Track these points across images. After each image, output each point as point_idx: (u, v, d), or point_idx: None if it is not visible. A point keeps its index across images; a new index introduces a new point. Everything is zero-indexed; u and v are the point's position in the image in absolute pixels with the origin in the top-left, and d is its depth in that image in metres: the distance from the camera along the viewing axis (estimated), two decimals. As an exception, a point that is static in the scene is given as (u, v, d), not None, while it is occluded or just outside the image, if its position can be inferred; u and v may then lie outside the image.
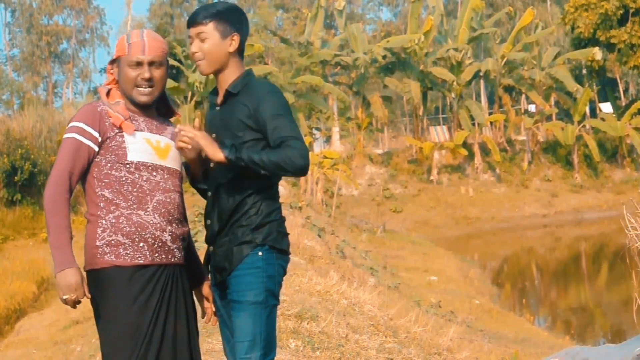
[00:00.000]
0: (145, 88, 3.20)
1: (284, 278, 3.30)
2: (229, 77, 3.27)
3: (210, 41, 3.23)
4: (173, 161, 3.25)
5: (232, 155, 3.07)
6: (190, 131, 3.12)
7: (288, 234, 3.29)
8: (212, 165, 3.24)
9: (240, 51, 3.30)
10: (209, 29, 3.22)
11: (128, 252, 3.07)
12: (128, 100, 3.24)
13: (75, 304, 3.04)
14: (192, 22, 3.26)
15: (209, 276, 3.35)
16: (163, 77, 3.24)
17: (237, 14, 3.30)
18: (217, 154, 3.08)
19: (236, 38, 3.25)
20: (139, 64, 3.18)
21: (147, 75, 3.18)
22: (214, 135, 3.23)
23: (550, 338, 13.49)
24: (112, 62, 3.28)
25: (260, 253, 3.15)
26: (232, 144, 3.11)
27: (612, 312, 17.65)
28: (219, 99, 3.30)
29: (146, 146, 3.18)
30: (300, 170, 3.07)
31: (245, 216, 3.16)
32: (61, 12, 60.08)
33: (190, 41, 3.27)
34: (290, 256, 3.31)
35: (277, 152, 3.05)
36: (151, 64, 3.19)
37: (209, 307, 3.37)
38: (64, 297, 3.00)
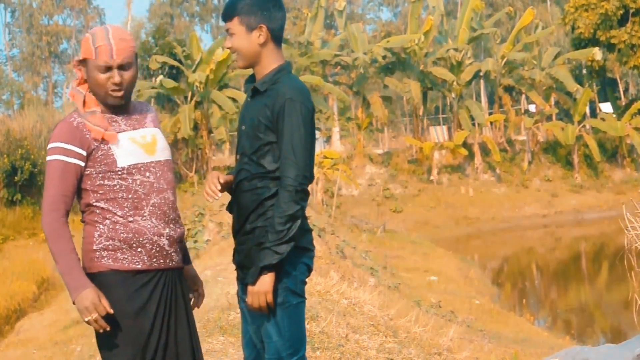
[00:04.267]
0: (117, 92, 3.11)
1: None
2: (264, 69, 3.21)
3: (237, 37, 3.19)
4: (162, 152, 3.18)
5: (268, 269, 3.05)
6: (254, 305, 3.09)
7: (310, 229, 3.24)
8: (238, 157, 3.24)
9: (275, 39, 3.21)
10: (235, 25, 3.18)
11: (126, 256, 3.03)
12: (103, 103, 3.15)
13: (100, 325, 2.95)
14: (223, 18, 3.24)
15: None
16: (133, 77, 3.14)
17: (263, 2, 3.18)
18: (269, 282, 3.07)
19: (264, 29, 3.17)
20: (108, 68, 3.08)
21: (117, 79, 3.08)
22: (243, 127, 3.22)
23: (550, 338, 13.49)
24: (80, 62, 3.16)
25: None
26: (263, 258, 3.05)
27: (612, 312, 17.64)
28: (251, 90, 3.25)
29: (133, 146, 3.10)
30: (299, 201, 3.05)
31: (262, 217, 3.13)
32: (61, 12, 60.08)
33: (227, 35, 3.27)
34: (314, 251, 3.26)
35: (276, 208, 3.04)
36: (120, 67, 3.09)
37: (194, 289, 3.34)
38: (86, 319, 2.94)
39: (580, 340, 13.47)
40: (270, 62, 3.20)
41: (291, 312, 3.14)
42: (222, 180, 3.19)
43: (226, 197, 3.34)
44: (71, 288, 2.96)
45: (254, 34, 3.17)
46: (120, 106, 3.17)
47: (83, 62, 3.14)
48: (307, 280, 3.24)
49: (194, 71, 34.83)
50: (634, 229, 5.51)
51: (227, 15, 3.21)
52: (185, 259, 3.33)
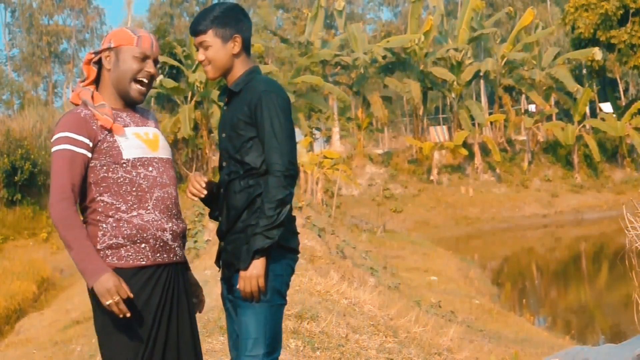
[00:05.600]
0: (143, 86, 3.18)
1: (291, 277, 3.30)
2: (235, 75, 3.31)
3: (212, 48, 3.26)
4: (164, 150, 3.23)
5: (259, 253, 3.08)
6: (247, 290, 3.11)
7: (298, 232, 3.29)
8: (224, 164, 3.27)
9: (246, 48, 3.32)
10: (209, 37, 3.25)
11: (130, 253, 3.05)
12: (115, 95, 3.20)
13: (121, 309, 2.93)
14: (193, 32, 3.29)
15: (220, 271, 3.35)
16: (155, 78, 3.28)
17: (234, 13, 3.29)
18: (261, 266, 3.10)
19: (238, 39, 3.27)
20: (145, 58, 3.17)
21: (152, 70, 3.19)
22: (224, 134, 3.28)
23: (550, 338, 13.47)
24: (104, 50, 3.19)
25: None
26: (254, 243, 3.09)
27: (612, 312, 17.64)
28: (226, 99, 3.34)
29: (137, 141, 3.14)
30: (288, 187, 3.10)
31: (254, 215, 3.15)
32: (61, 12, 60.03)
33: (196, 48, 3.31)
34: (298, 255, 3.31)
35: (265, 194, 3.09)
36: (154, 62, 3.21)
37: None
38: (107, 303, 2.92)
39: (580, 340, 13.46)
40: (240, 68, 3.31)
41: (274, 311, 3.18)
42: (205, 179, 3.25)
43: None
44: (88, 273, 2.95)
45: (229, 44, 3.26)
46: (128, 104, 3.22)
47: (110, 50, 3.18)
48: (290, 283, 3.28)
49: (194, 71, 34.84)
50: (634, 229, 5.51)
51: (200, 29, 3.26)
52: (187, 266, 3.36)
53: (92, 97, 3.19)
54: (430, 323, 7.98)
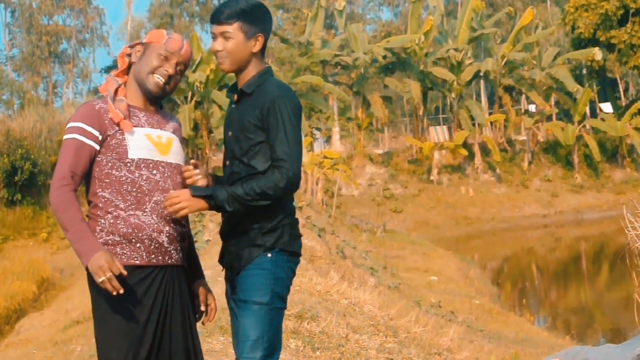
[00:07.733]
0: (161, 81, 3.19)
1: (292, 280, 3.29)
2: (248, 75, 3.26)
3: (234, 41, 3.20)
4: (175, 156, 3.23)
5: (213, 202, 3.08)
6: (172, 199, 3.08)
7: (301, 235, 3.28)
8: (227, 163, 3.26)
9: (264, 48, 3.28)
10: (234, 29, 3.19)
11: (125, 251, 3.06)
12: (137, 91, 3.22)
13: (114, 286, 2.92)
14: (217, 20, 3.22)
15: (223, 273, 3.35)
16: (175, 84, 3.27)
17: (262, 13, 3.25)
18: (200, 205, 3.09)
19: (260, 39, 3.23)
20: (168, 58, 3.20)
21: (171, 70, 3.19)
22: (230, 133, 3.25)
23: (550, 338, 13.48)
24: (137, 44, 3.26)
25: (269, 255, 3.14)
26: (218, 192, 3.08)
27: (612, 312, 17.65)
28: (236, 97, 3.29)
29: (147, 142, 3.15)
30: (284, 192, 3.07)
31: (256, 219, 3.14)
32: (61, 12, 60.04)
33: (213, 37, 3.24)
34: (300, 258, 3.29)
35: (263, 179, 3.07)
36: (177, 65, 3.22)
37: (200, 305, 3.34)
38: (100, 280, 2.92)
39: (580, 340, 13.47)
40: (254, 68, 3.26)
41: (274, 315, 3.16)
42: (196, 164, 3.23)
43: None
44: (83, 253, 2.97)
45: (251, 42, 3.21)
46: (148, 102, 3.24)
47: (141, 45, 3.24)
48: (290, 286, 3.27)
49: (194, 71, 34.84)
50: (634, 229, 5.51)
51: (225, 19, 3.20)
52: (199, 273, 3.37)
53: (117, 90, 3.22)
54: (430, 323, 7.98)
